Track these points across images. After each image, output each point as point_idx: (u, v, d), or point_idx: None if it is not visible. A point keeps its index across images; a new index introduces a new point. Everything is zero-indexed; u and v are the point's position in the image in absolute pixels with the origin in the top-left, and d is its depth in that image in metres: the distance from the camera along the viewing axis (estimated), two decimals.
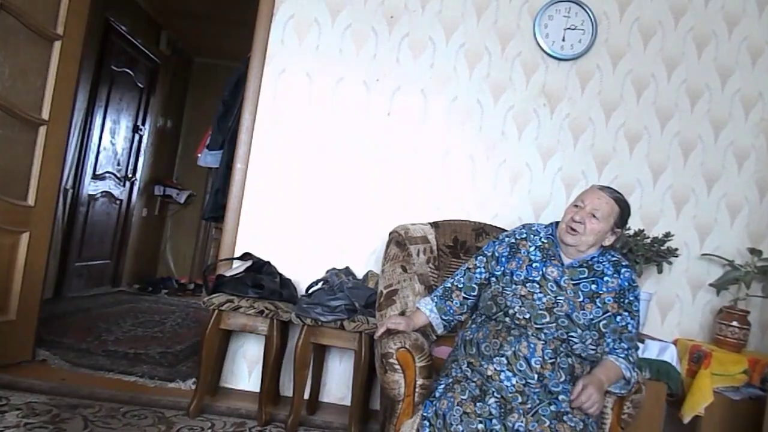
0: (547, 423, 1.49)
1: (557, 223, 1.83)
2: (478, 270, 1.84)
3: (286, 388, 2.59)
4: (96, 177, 4.67)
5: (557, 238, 1.79)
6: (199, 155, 3.23)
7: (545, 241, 1.81)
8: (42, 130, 2.64)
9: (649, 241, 2.52)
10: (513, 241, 1.84)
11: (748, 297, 2.58)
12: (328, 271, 2.55)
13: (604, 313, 1.68)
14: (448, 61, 2.75)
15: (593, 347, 1.65)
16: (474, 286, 1.83)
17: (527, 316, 1.65)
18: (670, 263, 2.59)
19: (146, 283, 5.51)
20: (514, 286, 1.72)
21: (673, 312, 2.75)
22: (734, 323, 2.49)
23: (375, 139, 2.74)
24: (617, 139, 2.76)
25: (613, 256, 1.80)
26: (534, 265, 1.75)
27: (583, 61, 2.75)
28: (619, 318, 1.69)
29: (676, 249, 2.56)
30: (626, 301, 1.72)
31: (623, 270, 1.76)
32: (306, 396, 2.48)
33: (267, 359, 2.36)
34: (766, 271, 2.56)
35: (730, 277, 2.61)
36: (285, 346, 2.53)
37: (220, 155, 3.00)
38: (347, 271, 2.59)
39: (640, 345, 2.31)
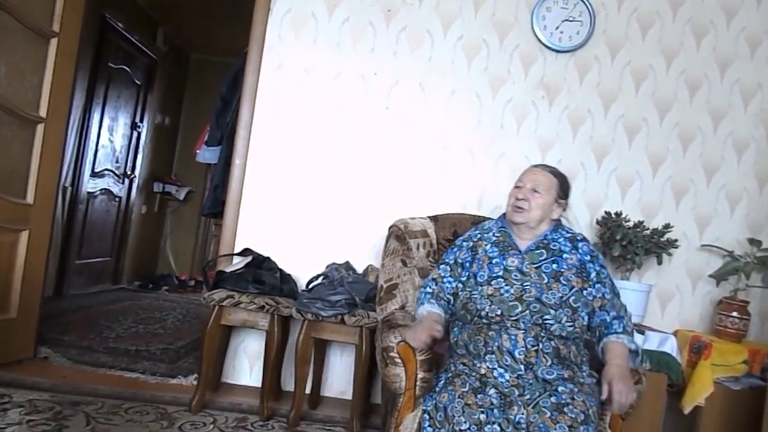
0: (548, 414, 1.49)
1: (505, 214, 1.88)
2: (446, 280, 1.86)
3: (288, 383, 2.60)
4: (95, 174, 4.67)
5: (509, 226, 1.85)
6: (198, 151, 3.24)
7: (498, 235, 1.86)
8: (40, 128, 2.63)
9: (648, 232, 2.52)
10: (471, 244, 1.88)
11: (748, 287, 2.58)
12: (328, 266, 2.55)
13: (570, 290, 1.71)
14: (446, 54, 2.75)
15: (570, 324, 1.67)
16: (449, 297, 1.84)
17: (499, 312, 1.67)
18: (669, 254, 2.59)
19: (147, 280, 5.51)
20: (480, 288, 1.75)
21: (673, 303, 2.75)
22: (734, 314, 2.49)
23: (373, 133, 2.74)
24: (616, 130, 2.76)
25: (567, 231, 1.85)
26: (494, 261, 1.79)
27: (581, 52, 2.74)
28: (587, 292, 1.73)
29: (676, 240, 2.56)
30: (592, 274, 1.76)
31: (580, 244, 1.81)
32: (307, 390, 2.49)
33: (268, 354, 2.37)
34: (765, 261, 2.56)
35: (730, 268, 2.61)
36: (286, 341, 2.53)
37: (218, 151, 3.00)
38: (347, 265, 2.59)
39: (641, 336, 2.32)
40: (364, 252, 2.69)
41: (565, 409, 1.51)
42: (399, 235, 2.28)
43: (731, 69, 2.76)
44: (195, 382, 2.53)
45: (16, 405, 2.15)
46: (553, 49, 2.73)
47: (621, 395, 1.54)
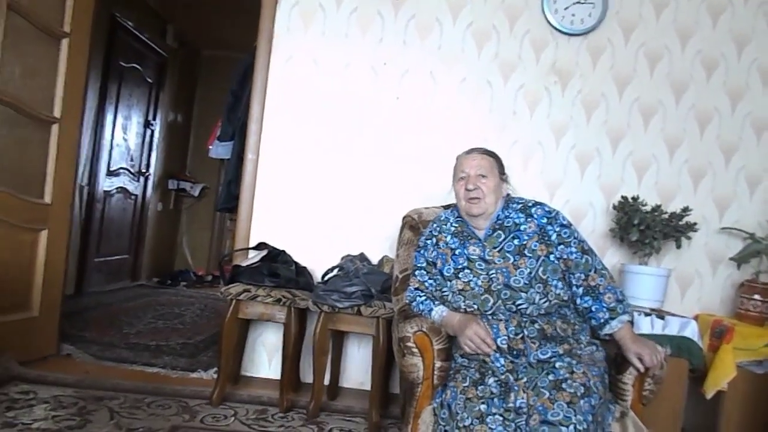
0: (547, 395, 1.45)
1: (454, 205, 1.88)
2: (428, 283, 1.81)
3: (306, 375, 2.62)
4: (110, 173, 4.72)
5: (465, 217, 1.82)
6: (211, 147, 3.25)
7: (456, 225, 1.85)
8: (54, 128, 2.66)
9: (666, 216, 2.48)
10: (434, 241, 1.85)
11: None
12: (343, 258, 2.55)
13: (537, 261, 1.69)
14: (455, 42, 2.72)
15: (544, 300, 1.65)
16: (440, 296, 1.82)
17: (474, 307, 1.66)
18: (688, 238, 2.54)
19: (165, 276, 5.58)
20: (449, 284, 1.74)
21: (693, 287, 2.71)
22: (756, 296, 2.45)
23: (385, 123, 2.73)
24: (631, 114, 2.71)
25: (518, 203, 1.82)
26: (456, 251, 1.78)
27: (593, 35, 2.70)
28: (552, 256, 1.69)
29: (695, 223, 2.52)
30: (552, 236, 1.72)
31: (533, 210, 1.78)
32: (326, 382, 2.51)
33: (286, 347, 2.39)
34: None
35: (751, 250, 2.56)
36: (303, 333, 2.55)
37: (231, 146, 3.00)
38: (362, 257, 2.59)
39: (660, 321, 2.30)
40: (379, 243, 2.69)
41: (564, 385, 1.47)
42: (413, 225, 2.27)
43: (749, 47, 2.69)
44: (215, 376, 2.57)
45: (42, 401, 2.19)
46: (564, 33, 2.69)
47: (653, 357, 1.57)
